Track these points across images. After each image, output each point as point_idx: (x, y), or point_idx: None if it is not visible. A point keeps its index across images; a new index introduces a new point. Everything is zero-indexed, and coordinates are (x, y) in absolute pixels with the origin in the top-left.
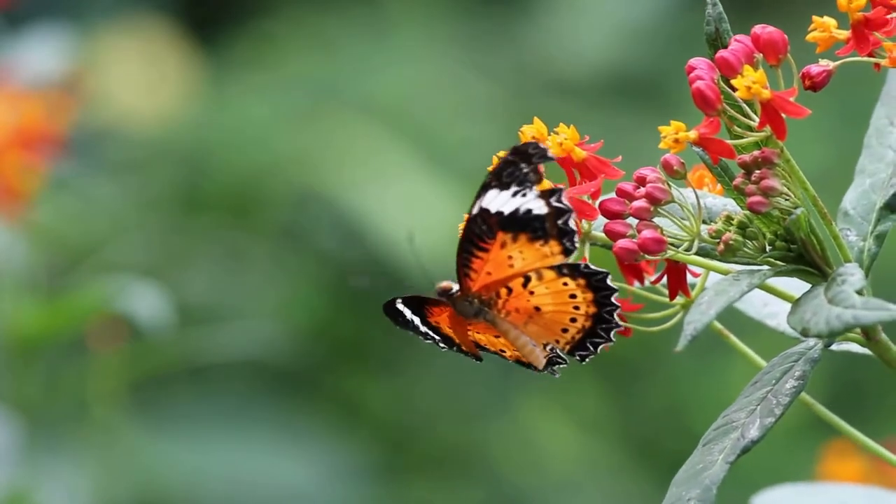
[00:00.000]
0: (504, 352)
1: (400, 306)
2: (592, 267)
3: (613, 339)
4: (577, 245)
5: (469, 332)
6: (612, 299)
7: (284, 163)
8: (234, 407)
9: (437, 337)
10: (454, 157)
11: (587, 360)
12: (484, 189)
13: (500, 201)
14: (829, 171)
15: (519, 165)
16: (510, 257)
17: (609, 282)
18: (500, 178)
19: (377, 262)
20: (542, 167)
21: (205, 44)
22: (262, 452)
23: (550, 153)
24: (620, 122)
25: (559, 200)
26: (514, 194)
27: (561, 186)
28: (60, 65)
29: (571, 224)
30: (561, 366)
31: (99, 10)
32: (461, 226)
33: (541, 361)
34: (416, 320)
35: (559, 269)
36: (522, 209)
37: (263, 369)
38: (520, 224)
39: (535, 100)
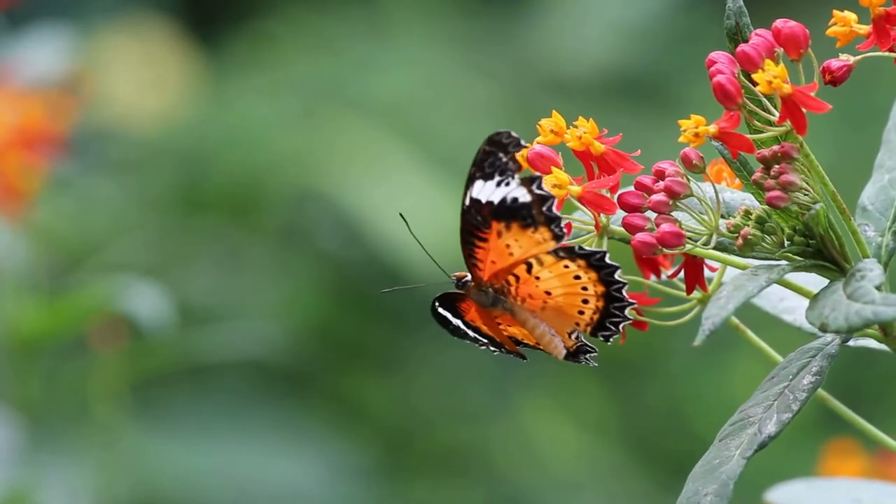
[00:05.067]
0: (539, 345)
1: (442, 311)
2: (587, 248)
3: (629, 316)
4: (564, 231)
5: (501, 327)
6: (616, 276)
7: (284, 163)
8: (234, 407)
9: (483, 339)
10: (454, 156)
11: (611, 340)
12: (470, 180)
13: (487, 191)
14: (832, 168)
15: (497, 155)
16: (508, 245)
17: (608, 259)
18: (483, 168)
19: (377, 261)
20: (518, 156)
21: (205, 44)
22: (262, 452)
23: (523, 142)
24: (620, 122)
25: (540, 187)
26: (499, 184)
27: (540, 174)
28: (61, 65)
29: (555, 210)
30: (592, 354)
31: (99, 10)
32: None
33: (560, 352)
34: (461, 324)
35: (556, 254)
36: (509, 198)
37: (263, 369)
38: (509, 213)
39: (535, 99)
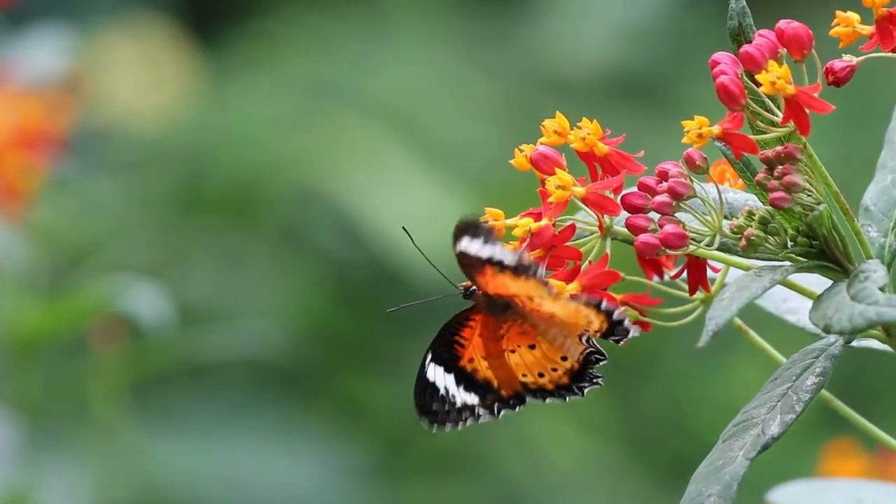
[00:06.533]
0: (543, 376)
1: (430, 374)
2: (580, 297)
3: (635, 331)
4: (553, 290)
5: (504, 354)
6: (616, 313)
7: (284, 163)
8: (234, 407)
9: (474, 400)
10: (454, 156)
11: (622, 342)
12: (456, 238)
13: (475, 247)
14: (833, 168)
15: (475, 229)
16: (504, 282)
17: (605, 305)
18: (466, 233)
19: (377, 261)
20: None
21: (205, 44)
22: (261, 452)
23: (495, 231)
24: (621, 121)
25: (522, 257)
26: (485, 243)
27: (523, 250)
28: (60, 65)
29: (542, 273)
30: (601, 361)
31: (99, 10)
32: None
33: (576, 350)
34: (451, 384)
35: (550, 294)
36: (496, 258)
37: (263, 369)
38: (500, 265)
39: (536, 99)
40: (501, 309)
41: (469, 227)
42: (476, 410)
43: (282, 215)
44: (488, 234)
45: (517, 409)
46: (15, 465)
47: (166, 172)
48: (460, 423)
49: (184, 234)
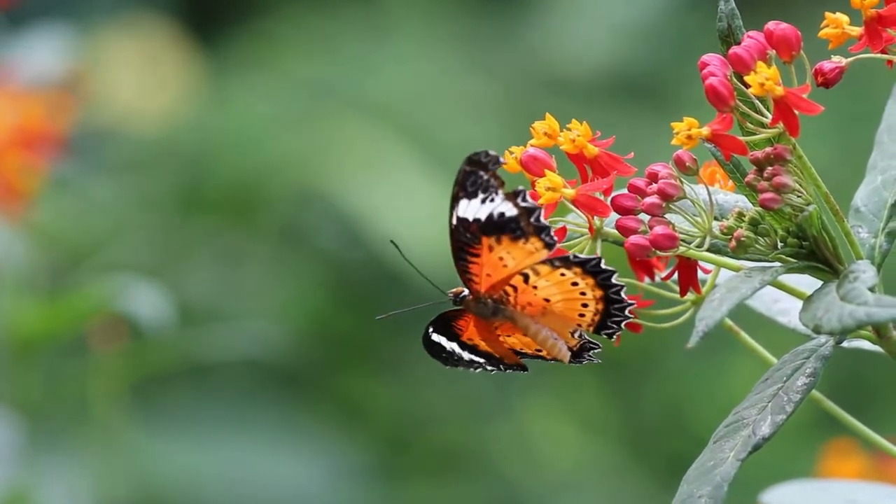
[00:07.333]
0: (541, 351)
1: (436, 338)
2: (581, 255)
3: (630, 315)
4: (555, 239)
5: (500, 338)
6: (613, 280)
7: (284, 163)
8: (234, 407)
9: (481, 360)
10: (454, 156)
11: (614, 337)
12: (454, 200)
13: (472, 209)
14: (831, 170)
15: (478, 174)
16: (501, 258)
17: (602, 265)
18: (466, 188)
19: (377, 261)
20: (506, 165)
21: (205, 44)
22: (262, 452)
23: (502, 159)
24: (621, 121)
25: (525, 200)
26: (483, 201)
27: (523, 188)
28: (61, 65)
29: (543, 220)
30: (595, 350)
31: (99, 10)
32: None
33: (565, 355)
34: (456, 347)
35: (552, 263)
36: (496, 213)
37: (263, 369)
38: (498, 227)
39: (536, 99)
40: (492, 313)
41: (468, 179)
42: (484, 366)
43: (282, 215)
44: (487, 185)
45: (523, 371)
46: (15, 465)
47: (166, 173)
48: (470, 370)
49: (184, 234)
